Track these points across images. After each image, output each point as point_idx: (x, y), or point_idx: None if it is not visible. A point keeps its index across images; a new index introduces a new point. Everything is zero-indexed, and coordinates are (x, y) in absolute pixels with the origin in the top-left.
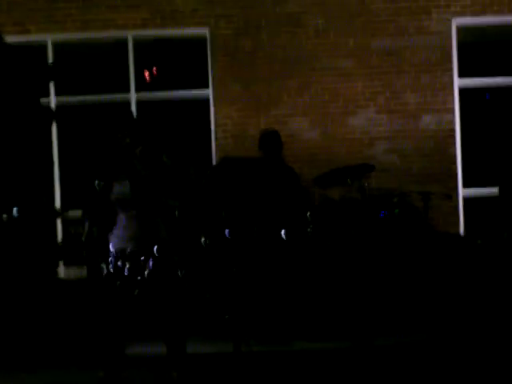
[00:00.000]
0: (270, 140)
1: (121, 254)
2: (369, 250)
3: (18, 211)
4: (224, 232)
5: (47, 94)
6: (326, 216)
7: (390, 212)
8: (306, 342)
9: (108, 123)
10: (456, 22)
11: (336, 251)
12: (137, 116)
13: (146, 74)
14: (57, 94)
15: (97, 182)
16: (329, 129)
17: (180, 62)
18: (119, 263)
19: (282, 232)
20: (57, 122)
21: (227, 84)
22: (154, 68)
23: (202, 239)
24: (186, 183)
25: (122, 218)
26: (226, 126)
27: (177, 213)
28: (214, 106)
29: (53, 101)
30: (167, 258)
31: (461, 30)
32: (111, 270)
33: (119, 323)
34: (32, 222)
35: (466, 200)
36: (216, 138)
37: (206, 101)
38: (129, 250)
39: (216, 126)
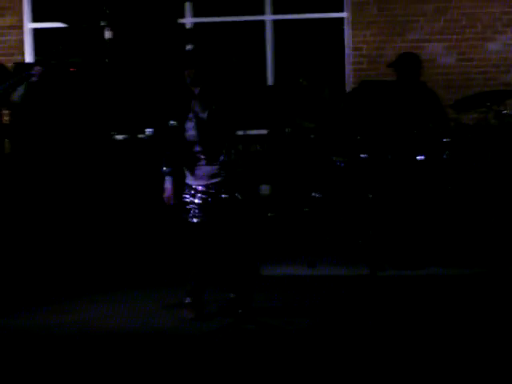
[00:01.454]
0: (410, 61)
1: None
2: (506, 177)
3: (154, 132)
4: (359, 155)
5: (183, 15)
6: (462, 142)
7: None
8: (441, 268)
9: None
10: None
11: (473, 178)
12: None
13: None
14: (193, 15)
15: (171, 122)
16: (465, 54)
17: None
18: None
19: (419, 157)
20: (192, 43)
21: (363, 7)
22: None
23: (337, 161)
24: (321, 105)
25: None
26: (361, 49)
27: (312, 135)
28: (350, 29)
29: (189, 21)
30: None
31: None
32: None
33: (252, 244)
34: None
35: None
36: (351, 62)
37: (341, 24)
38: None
39: (351, 49)
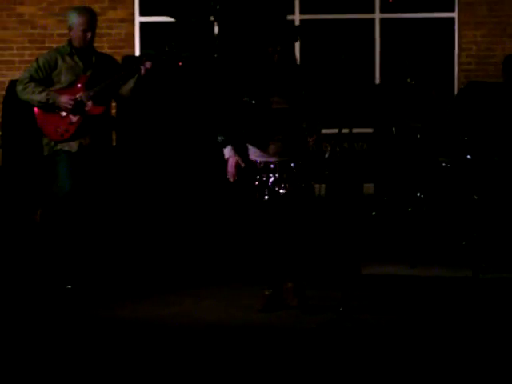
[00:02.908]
0: None
1: (264, 165)
2: None
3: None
4: (465, 157)
5: (292, 12)
6: None
7: None
8: None
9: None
10: None
11: None
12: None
13: None
14: (301, 11)
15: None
16: None
17: None
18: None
19: None
20: (300, 39)
21: (473, 7)
22: None
23: (443, 162)
24: (428, 105)
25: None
26: (470, 50)
27: (419, 135)
28: (459, 29)
29: (297, 18)
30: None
31: None
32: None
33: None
34: None
35: None
36: (459, 63)
37: (452, 23)
38: (272, 166)
39: (460, 50)
